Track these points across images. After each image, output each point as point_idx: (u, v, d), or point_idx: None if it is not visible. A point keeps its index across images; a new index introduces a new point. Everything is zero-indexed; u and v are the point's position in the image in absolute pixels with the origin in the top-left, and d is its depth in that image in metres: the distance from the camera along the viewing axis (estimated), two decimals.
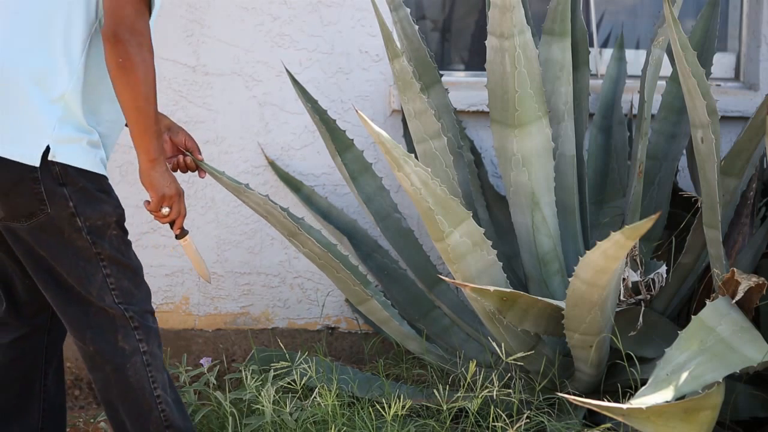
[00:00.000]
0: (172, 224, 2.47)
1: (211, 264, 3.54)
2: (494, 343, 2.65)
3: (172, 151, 2.61)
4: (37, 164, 2.23)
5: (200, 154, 2.62)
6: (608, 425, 2.56)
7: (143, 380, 2.38)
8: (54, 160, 2.25)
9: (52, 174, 2.25)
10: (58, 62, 2.27)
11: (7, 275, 2.50)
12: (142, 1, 2.23)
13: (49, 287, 2.36)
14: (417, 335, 3.06)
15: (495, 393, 2.56)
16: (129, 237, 2.42)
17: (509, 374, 2.74)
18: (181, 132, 2.61)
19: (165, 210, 2.39)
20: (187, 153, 2.60)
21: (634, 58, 3.60)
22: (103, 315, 2.35)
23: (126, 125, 2.34)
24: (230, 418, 2.49)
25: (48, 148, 2.24)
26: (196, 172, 2.65)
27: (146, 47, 2.23)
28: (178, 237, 2.50)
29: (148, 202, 2.39)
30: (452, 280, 2.58)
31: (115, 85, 2.24)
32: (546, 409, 2.71)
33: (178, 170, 2.62)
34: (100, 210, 2.31)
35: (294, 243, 2.91)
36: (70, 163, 2.26)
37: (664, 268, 2.73)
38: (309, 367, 2.70)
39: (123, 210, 2.38)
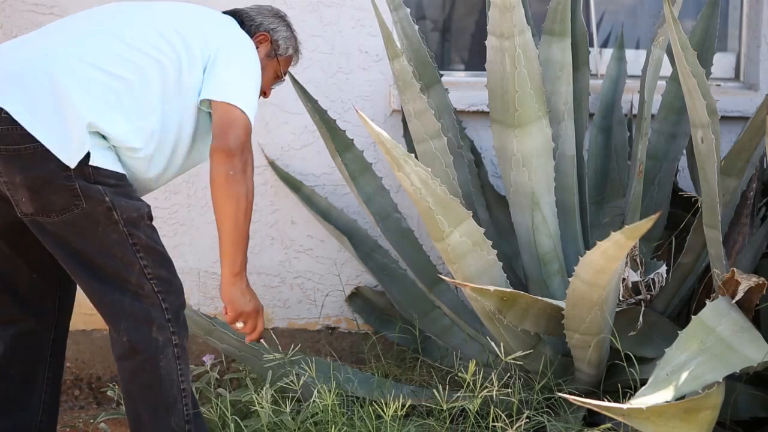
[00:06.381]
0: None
1: (211, 264, 3.54)
2: (493, 343, 2.65)
3: None
4: (74, 166, 2.32)
5: None
6: (608, 425, 2.56)
7: (173, 372, 2.43)
8: (88, 162, 2.34)
9: (85, 173, 2.34)
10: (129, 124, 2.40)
11: (9, 270, 2.54)
12: (250, 128, 2.46)
13: (84, 278, 2.42)
14: None
15: (495, 393, 2.56)
16: None
17: (509, 374, 2.74)
18: None
19: (240, 324, 2.53)
20: None
21: (634, 58, 3.60)
22: (139, 306, 2.40)
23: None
24: (232, 425, 2.49)
25: (88, 154, 2.34)
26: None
27: (251, 167, 2.46)
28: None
29: (226, 311, 2.54)
30: (452, 280, 2.58)
31: (219, 195, 2.44)
32: (546, 409, 2.71)
33: None
34: (133, 203, 2.40)
35: (211, 341, 2.96)
36: (101, 166, 2.36)
37: (664, 268, 2.73)
38: (309, 367, 2.70)
39: (148, 203, 2.46)
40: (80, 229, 2.36)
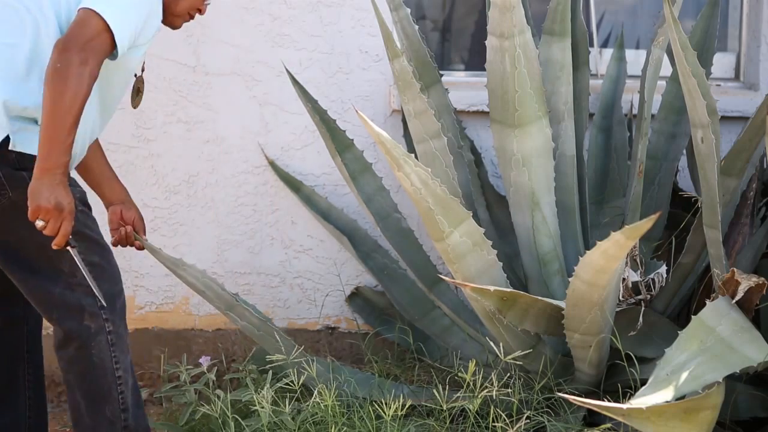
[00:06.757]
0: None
1: (211, 264, 3.54)
2: (493, 344, 2.65)
3: (119, 223, 2.65)
4: None
5: (145, 234, 2.67)
6: (608, 425, 2.56)
7: (106, 360, 2.41)
8: (11, 148, 2.30)
9: (9, 160, 2.30)
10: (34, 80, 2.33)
11: None
12: (106, 32, 2.27)
13: (15, 270, 2.39)
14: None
15: (495, 393, 2.56)
16: None
17: (509, 374, 2.74)
18: (133, 209, 2.67)
19: (39, 223, 2.28)
20: (128, 225, 2.65)
21: (634, 58, 3.60)
22: (70, 294, 2.38)
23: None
24: (232, 424, 2.49)
25: (7, 138, 2.29)
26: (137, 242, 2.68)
27: (89, 69, 2.24)
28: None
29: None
30: (452, 280, 2.58)
31: (45, 88, 2.23)
32: (546, 409, 2.71)
33: (119, 245, 2.66)
34: None
35: (231, 316, 2.90)
36: (26, 151, 2.31)
37: (664, 268, 2.73)
38: (309, 367, 2.69)
39: (83, 189, 2.39)
40: (10, 220, 2.32)
